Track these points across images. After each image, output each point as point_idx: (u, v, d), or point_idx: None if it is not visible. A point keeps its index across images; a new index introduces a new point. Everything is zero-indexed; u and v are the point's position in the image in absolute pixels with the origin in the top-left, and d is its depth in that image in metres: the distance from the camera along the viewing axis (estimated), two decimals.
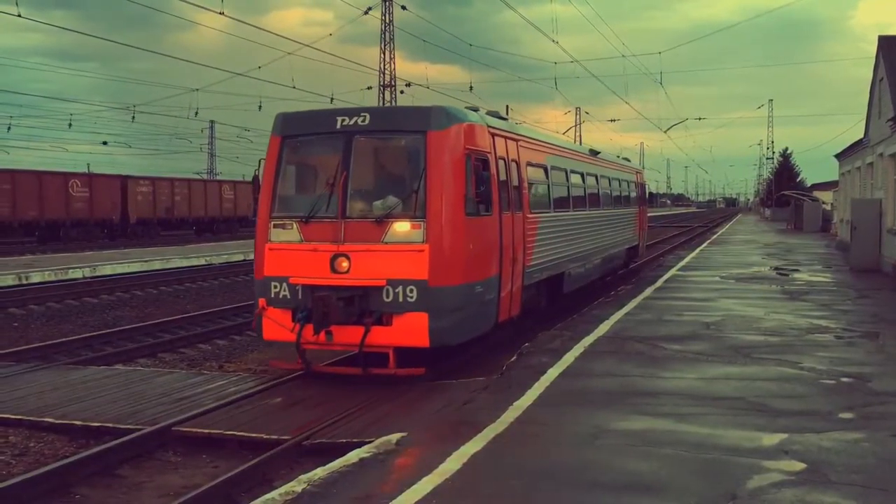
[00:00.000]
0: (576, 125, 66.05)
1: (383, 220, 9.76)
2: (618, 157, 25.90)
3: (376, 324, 9.62)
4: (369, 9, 42.99)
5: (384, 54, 54.66)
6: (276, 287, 10.05)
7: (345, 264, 9.76)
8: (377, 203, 10.03)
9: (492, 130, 11.18)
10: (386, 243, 9.72)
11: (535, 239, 12.78)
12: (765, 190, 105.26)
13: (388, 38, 54.58)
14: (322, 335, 9.61)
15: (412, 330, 9.56)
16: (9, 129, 56.09)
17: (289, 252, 10.09)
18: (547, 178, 14.22)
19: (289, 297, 9.98)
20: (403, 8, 47.88)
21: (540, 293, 13.79)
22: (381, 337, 9.63)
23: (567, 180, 15.76)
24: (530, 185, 12.95)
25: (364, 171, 10.47)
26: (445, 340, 9.79)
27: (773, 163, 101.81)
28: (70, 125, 59.92)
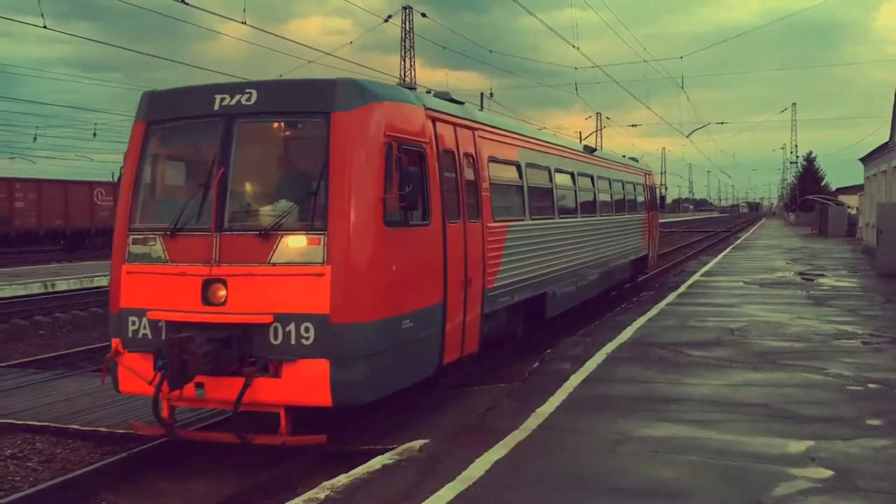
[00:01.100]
0: (597, 130, 65.84)
1: (271, 234, 7.39)
2: (623, 156, 23.28)
3: (261, 374, 7.22)
4: (389, 17, 43.24)
5: (404, 61, 54.89)
6: (134, 323, 7.73)
7: (221, 293, 7.41)
8: (265, 209, 7.79)
9: (432, 114, 8.90)
10: (274, 264, 7.35)
11: (502, 254, 10.58)
12: (789, 194, 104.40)
13: (408, 46, 54.81)
14: (190, 389, 7.28)
15: (308, 383, 7.18)
16: (35, 139, 56.83)
17: (150, 276, 7.78)
18: (521, 177, 11.93)
19: (149, 336, 7.63)
20: (424, 15, 48.10)
21: (513, 320, 11.70)
22: (268, 392, 7.25)
23: (551, 181, 13.53)
24: (494, 186, 10.59)
25: (248, 166, 8.11)
26: (355, 396, 7.39)
27: (797, 167, 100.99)
28: (95, 134, 60.56)
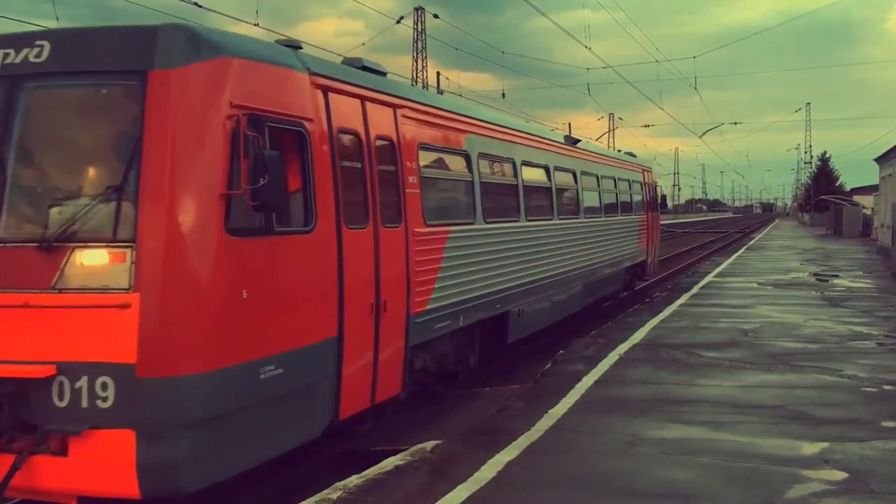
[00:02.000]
0: (609, 131, 65.76)
1: (57, 246, 5.32)
2: (620, 150, 21.82)
3: (40, 450, 5.19)
4: (401, 18, 43.23)
5: (416, 63, 54.94)
6: None
7: None
8: (54, 211, 5.57)
9: (323, 82, 6.72)
10: (60, 291, 5.30)
11: (440, 267, 8.58)
12: (803, 195, 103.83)
13: (420, 47, 54.85)
14: None
15: (106, 465, 5.16)
16: None
17: None
18: (470, 171, 9.80)
19: None
20: (436, 17, 48.10)
21: (464, 348, 9.88)
22: (52, 476, 5.23)
23: (516, 176, 11.33)
24: (428, 180, 8.61)
25: (36, 148, 5.89)
26: (176, 484, 5.30)
27: (811, 167, 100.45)
28: None
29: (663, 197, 25.60)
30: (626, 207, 18.91)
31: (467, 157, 9.81)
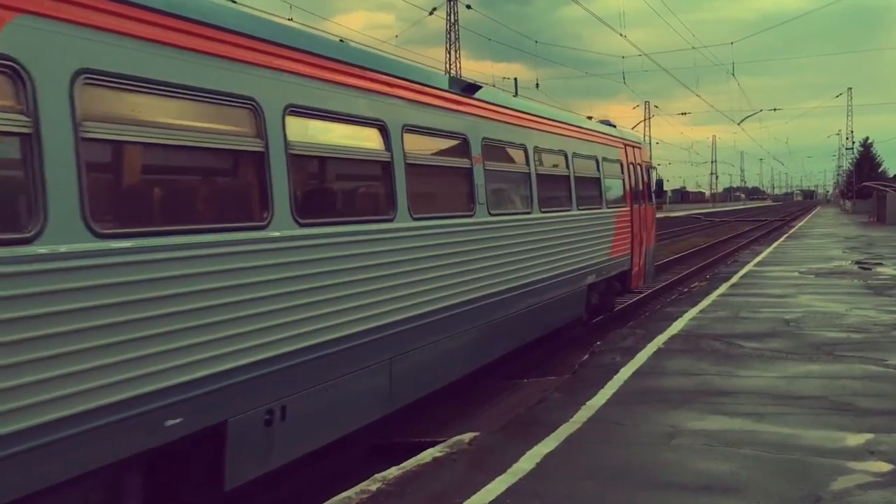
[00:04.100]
0: (645, 119, 65.07)
1: None
2: (591, 118, 16.14)
3: None
4: (434, 9, 43.21)
5: (449, 54, 54.86)
6: None
7: None
8: None
9: None
10: None
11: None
12: (845, 181, 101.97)
13: (452, 38, 54.76)
14: None
15: None
16: None
17: None
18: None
19: None
20: (468, 7, 47.98)
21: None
22: None
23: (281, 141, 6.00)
24: None
25: None
26: None
27: (853, 153, 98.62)
28: None
29: (659, 182, 19.10)
30: (591, 198, 13.18)
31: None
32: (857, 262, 23.39)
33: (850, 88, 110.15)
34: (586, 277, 12.93)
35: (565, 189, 12.20)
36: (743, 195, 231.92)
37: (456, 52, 55.19)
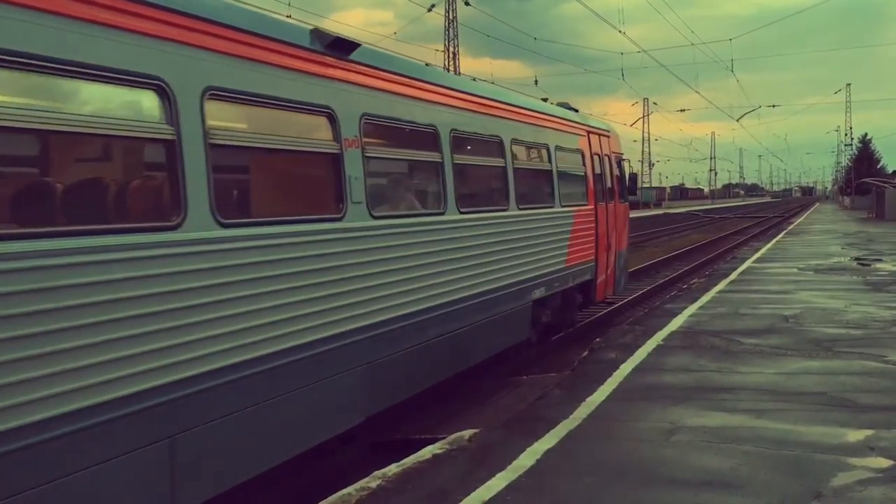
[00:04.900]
0: (644, 116, 65.07)
1: None
2: (546, 100, 13.90)
3: None
4: (433, 6, 43.17)
5: (448, 51, 54.81)
6: None
7: None
8: None
9: None
10: None
11: None
12: (844, 178, 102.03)
13: (451, 35, 54.71)
14: None
15: None
16: None
17: None
18: None
19: None
20: (467, 3, 47.91)
21: None
22: None
23: None
24: None
25: None
26: None
27: (852, 149, 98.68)
28: None
29: (633, 177, 16.71)
30: (537, 194, 11.20)
31: None
32: (857, 259, 23.40)
33: (848, 84, 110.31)
34: (530, 292, 10.51)
35: (500, 183, 9.89)
36: (742, 192, 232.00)
37: (455, 49, 55.18)
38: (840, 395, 7.95)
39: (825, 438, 6.61)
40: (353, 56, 6.91)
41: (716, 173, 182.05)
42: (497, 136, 9.80)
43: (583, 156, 13.12)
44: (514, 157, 10.11)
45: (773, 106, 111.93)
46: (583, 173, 13.08)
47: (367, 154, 6.90)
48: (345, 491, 5.88)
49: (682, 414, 7.43)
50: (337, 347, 6.34)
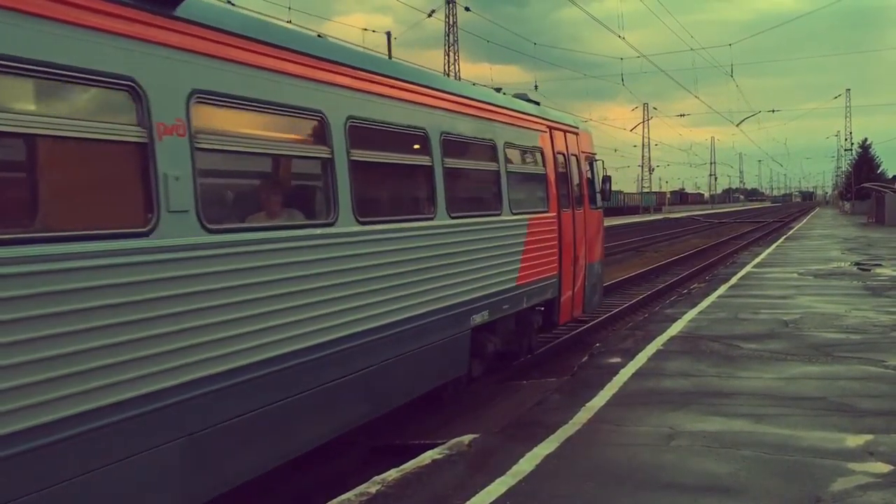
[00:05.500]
0: (644, 121, 65.18)
1: None
2: (501, 91, 11.74)
3: None
4: (433, 11, 43.20)
5: (448, 56, 54.87)
6: None
7: None
8: None
9: None
10: None
11: None
12: (843, 182, 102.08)
13: (451, 41, 54.78)
14: None
15: None
16: None
17: None
18: None
19: None
20: (467, 9, 47.98)
21: None
22: None
23: None
24: None
25: None
26: None
27: (851, 154, 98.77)
28: None
29: (606, 180, 14.24)
30: (478, 200, 9.83)
31: None
32: (856, 264, 23.41)
33: (848, 89, 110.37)
34: (468, 318, 8.82)
35: (423, 187, 8.27)
36: (742, 196, 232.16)
37: (455, 54, 55.24)
38: (839, 400, 7.94)
39: (824, 443, 6.60)
40: (192, 12, 5.17)
41: (716, 178, 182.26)
42: (421, 129, 8.07)
43: (543, 155, 11.34)
44: (444, 154, 8.41)
45: (773, 111, 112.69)
46: (543, 175, 11.32)
47: (199, 146, 5.13)
48: (344, 496, 5.88)
49: (682, 419, 7.43)
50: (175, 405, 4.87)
